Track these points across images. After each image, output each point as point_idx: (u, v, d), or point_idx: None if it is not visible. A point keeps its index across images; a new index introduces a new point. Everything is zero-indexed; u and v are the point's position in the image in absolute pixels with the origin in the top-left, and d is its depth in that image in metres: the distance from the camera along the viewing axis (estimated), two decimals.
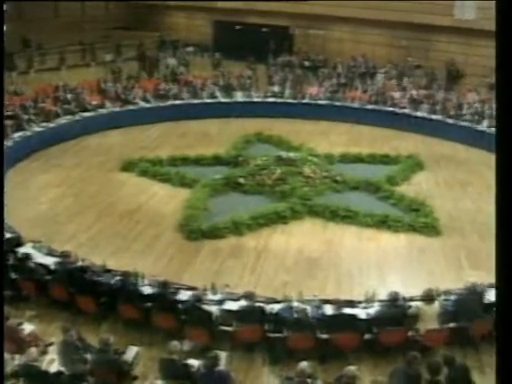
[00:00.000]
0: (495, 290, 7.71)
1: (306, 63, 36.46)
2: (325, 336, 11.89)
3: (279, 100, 30.04)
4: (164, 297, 12.59)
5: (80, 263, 13.71)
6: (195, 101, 29.42)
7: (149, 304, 12.58)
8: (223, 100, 29.73)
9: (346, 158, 23.27)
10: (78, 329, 11.30)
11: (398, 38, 35.99)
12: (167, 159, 22.49)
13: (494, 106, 27.70)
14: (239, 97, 30.00)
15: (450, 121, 27.27)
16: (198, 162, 22.43)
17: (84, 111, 26.61)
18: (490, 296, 13.06)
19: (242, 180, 20.30)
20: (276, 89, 30.80)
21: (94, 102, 27.60)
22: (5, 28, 22.37)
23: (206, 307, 12.23)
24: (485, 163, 23.96)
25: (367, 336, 12.06)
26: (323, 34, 38.88)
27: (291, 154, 21.69)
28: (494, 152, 7.97)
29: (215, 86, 30.52)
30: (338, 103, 29.65)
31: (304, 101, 29.96)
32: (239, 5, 40.15)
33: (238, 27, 41.30)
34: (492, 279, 13.94)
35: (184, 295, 12.81)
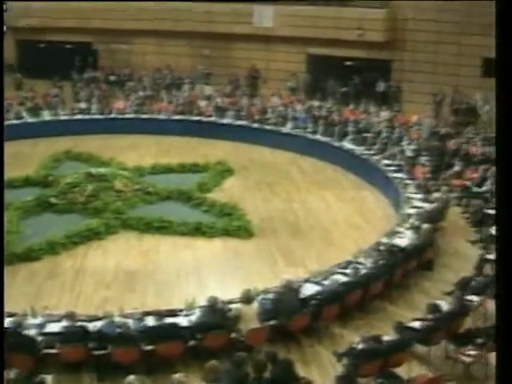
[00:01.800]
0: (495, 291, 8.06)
1: (112, 78, 36.23)
2: (149, 347, 11.99)
3: (87, 116, 29.72)
4: None
5: None
6: None
7: None
8: (30, 120, 29.08)
9: (156, 170, 23.50)
10: None
11: (201, 47, 36.46)
12: None
13: (296, 107, 28.84)
14: (46, 116, 29.48)
15: (256, 125, 28.08)
16: (9, 185, 21.87)
17: None
18: (306, 290, 13.72)
19: (53, 199, 20.02)
20: (83, 105, 30.47)
21: None
22: (5, 28, 21.24)
23: (27, 332, 12.04)
24: (291, 164, 24.94)
25: (191, 343, 12.28)
26: (127, 48, 38.77)
27: (101, 170, 21.63)
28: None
29: (21, 107, 29.83)
30: (145, 116, 29.76)
31: (111, 116, 29.85)
32: (42, 23, 39.28)
33: (41, 45, 40.49)
34: (305, 274, 14.67)
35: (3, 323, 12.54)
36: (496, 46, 8.28)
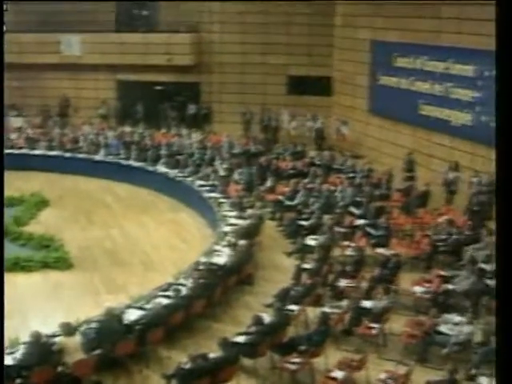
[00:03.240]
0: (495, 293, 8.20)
1: None
2: None
3: None
4: None
5: None
6: None
7: None
8: None
9: None
10: None
11: (10, 79, 35.57)
12: None
13: (108, 134, 28.87)
14: None
15: (68, 155, 27.93)
16: None
17: None
18: (129, 316, 13.75)
19: None
20: None
21: None
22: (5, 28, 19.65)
23: None
24: (106, 191, 24.93)
25: (18, 381, 11.95)
26: None
27: None
28: None
29: None
30: None
31: None
32: None
33: None
34: (128, 300, 14.75)
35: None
36: (496, 49, 8.47)
